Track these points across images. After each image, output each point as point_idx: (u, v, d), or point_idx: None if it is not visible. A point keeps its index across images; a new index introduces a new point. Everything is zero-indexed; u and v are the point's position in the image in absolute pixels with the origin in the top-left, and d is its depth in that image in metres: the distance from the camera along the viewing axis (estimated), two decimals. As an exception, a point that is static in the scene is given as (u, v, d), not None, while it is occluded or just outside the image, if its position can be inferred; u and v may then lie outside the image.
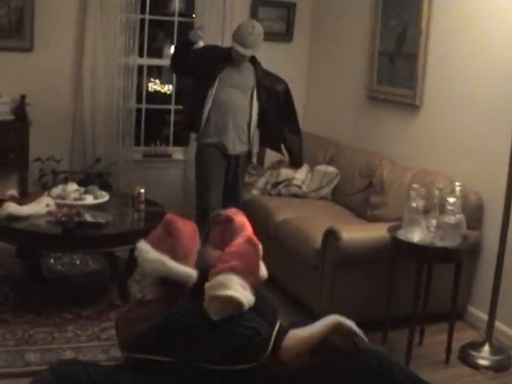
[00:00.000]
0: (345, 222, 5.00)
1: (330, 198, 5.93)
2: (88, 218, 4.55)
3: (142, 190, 5.03)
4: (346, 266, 4.50)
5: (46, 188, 6.01)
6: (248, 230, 3.24)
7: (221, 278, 2.91)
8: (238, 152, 5.54)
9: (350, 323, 3.06)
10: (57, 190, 4.98)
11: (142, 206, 5.00)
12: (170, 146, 7.24)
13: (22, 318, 4.50)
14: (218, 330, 2.88)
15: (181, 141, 7.17)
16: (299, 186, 5.97)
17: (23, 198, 4.87)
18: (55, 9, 6.32)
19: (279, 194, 6.00)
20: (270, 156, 6.53)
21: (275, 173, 6.15)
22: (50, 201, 4.74)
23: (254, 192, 6.08)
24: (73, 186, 5.02)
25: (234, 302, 2.88)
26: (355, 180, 5.69)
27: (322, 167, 6.05)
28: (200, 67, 5.41)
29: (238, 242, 3.11)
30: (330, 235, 4.51)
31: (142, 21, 6.78)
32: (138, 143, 7.06)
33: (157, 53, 7.73)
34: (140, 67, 6.92)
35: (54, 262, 5.30)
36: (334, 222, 4.82)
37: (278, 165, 6.26)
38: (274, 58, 6.88)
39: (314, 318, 3.73)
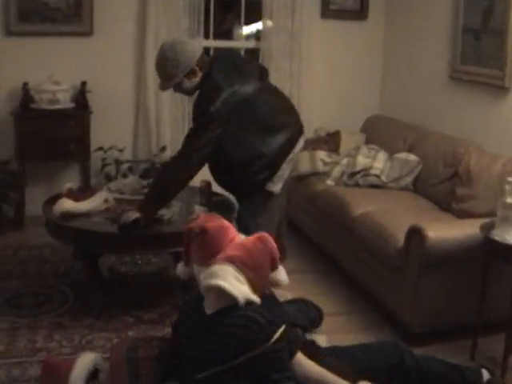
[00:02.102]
0: (430, 218, 4.55)
1: (411, 188, 5.45)
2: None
3: (208, 182, 4.66)
4: (431, 267, 4.07)
5: (108, 178, 5.83)
6: (231, 231, 2.95)
7: (214, 267, 2.72)
8: None
9: None
10: (116, 184, 4.66)
11: (203, 201, 4.60)
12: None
13: (81, 322, 4.24)
14: (212, 324, 2.71)
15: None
16: (378, 176, 5.51)
17: (81, 192, 4.57)
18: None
19: (356, 185, 5.55)
20: (347, 143, 6.09)
21: (352, 161, 5.70)
22: (109, 196, 4.41)
23: (329, 182, 5.66)
24: (133, 179, 4.69)
25: (227, 294, 2.65)
26: (439, 169, 5.19)
27: (403, 155, 5.58)
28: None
29: (248, 238, 2.90)
30: (415, 234, 4.08)
31: (207, 1, 6.48)
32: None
33: (225, 34, 7.34)
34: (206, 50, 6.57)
35: (114, 262, 5.03)
36: (418, 217, 4.42)
37: (356, 152, 5.80)
38: (347, 38, 6.55)
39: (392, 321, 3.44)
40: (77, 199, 4.36)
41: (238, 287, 2.68)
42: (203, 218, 3.02)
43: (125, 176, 5.74)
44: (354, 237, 4.84)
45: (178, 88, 4.22)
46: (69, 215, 4.22)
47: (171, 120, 6.34)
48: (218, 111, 3.97)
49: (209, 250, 2.83)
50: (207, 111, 3.97)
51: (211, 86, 4.04)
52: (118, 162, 6.10)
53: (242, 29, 6.96)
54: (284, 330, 2.71)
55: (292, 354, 2.78)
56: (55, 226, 4.27)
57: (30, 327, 4.16)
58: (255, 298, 2.72)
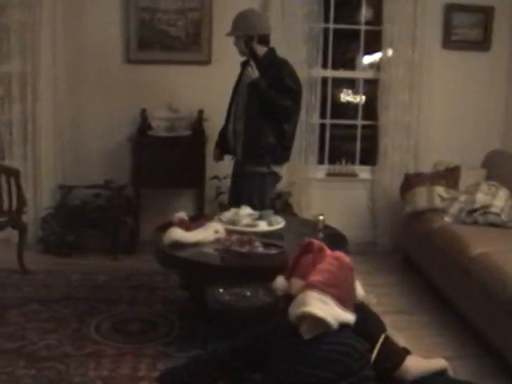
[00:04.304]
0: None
1: (534, 228, 5.18)
2: (259, 247, 4.13)
3: (322, 218, 4.59)
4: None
5: (222, 207, 5.79)
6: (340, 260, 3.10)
7: (299, 296, 2.90)
8: None
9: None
10: (228, 214, 4.61)
11: (321, 235, 4.49)
12: (356, 164, 6.84)
13: (186, 352, 4.17)
14: (311, 350, 2.84)
15: (368, 159, 6.79)
16: (498, 214, 5.26)
17: (192, 222, 4.54)
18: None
19: (475, 223, 5.32)
20: (466, 178, 5.85)
21: (471, 198, 5.47)
22: (220, 227, 4.37)
23: (447, 219, 5.46)
24: (245, 210, 4.63)
25: (318, 319, 2.80)
26: None
27: (525, 193, 5.32)
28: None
29: (324, 260, 3.06)
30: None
31: (326, 31, 6.45)
32: (321, 161, 6.76)
33: (345, 64, 7.25)
34: (324, 80, 6.61)
35: (221, 292, 4.98)
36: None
37: (475, 188, 5.56)
38: (468, 69, 6.34)
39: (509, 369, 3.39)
40: (188, 228, 4.35)
41: (327, 310, 2.81)
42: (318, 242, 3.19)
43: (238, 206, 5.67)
44: (471, 278, 4.62)
45: (238, 42, 5.04)
46: (178, 244, 4.21)
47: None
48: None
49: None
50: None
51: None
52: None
53: (362, 59, 6.86)
54: (383, 341, 2.93)
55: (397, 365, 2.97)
56: (164, 254, 4.25)
57: (134, 354, 4.16)
58: (348, 316, 2.86)
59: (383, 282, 5.61)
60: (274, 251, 4.14)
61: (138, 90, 6.14)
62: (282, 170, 5.24)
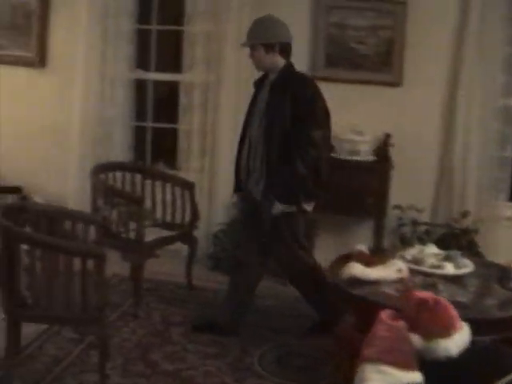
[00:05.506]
0: None
1: None
2: (444, 293, 3.68)
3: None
4: None
5: (403, 240, 5.47)
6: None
7: (358, 373, 2.82)
8: None
9: None
10: (412, 252, 4.21)
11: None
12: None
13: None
14: None
15: None
16: None
17: (372, 256, 4.18)
18: (427, 41, 5.71)
19: None
20: None
21: None
22: (403, 265, 3.98)
23: None
24: (431, 249, 4.21)
25: None
26: None
27: None
28: None
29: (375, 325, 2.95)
30: None
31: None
32: (512, 198, 6.24)
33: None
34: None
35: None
36: None
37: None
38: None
39: None
40: (367, 263, 4.02)
41: (387, 380, 2.71)
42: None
43: (421, 240, 5.35)
44: None
45: (255, 54, 4.41)
46: (356, 281, 3.88)
47: (477, 184, 5.80)
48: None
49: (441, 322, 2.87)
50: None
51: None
52: (414, 224, 5.73)
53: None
54: None
55: None
56: (340, 289, 3.94)
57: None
58: (413, 376, 2.73)
59: None
60: (462, 300, 3.68)
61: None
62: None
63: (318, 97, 4.42)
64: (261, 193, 4.44)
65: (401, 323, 2.89)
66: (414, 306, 2.93)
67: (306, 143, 4.28)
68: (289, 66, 4.45)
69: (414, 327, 2.89)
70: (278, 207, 4.34)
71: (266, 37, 4.37)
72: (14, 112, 6.43)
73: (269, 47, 4.36)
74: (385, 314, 2.97)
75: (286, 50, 4.42)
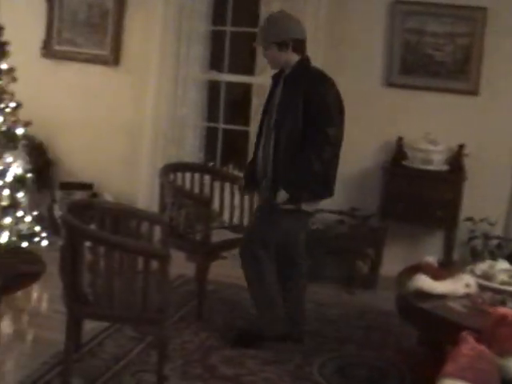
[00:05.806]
0: None
1: None
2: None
3: None
4: None
5: (474, 254, 5.33)
6: None
7: None
8: None
9: None
10: (483, 267, 4.10)
11: None
12: None
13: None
14: None
15: None
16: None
17: (441, 269, 4.07)
18: (506, 49, 5.56)
19: None
20: None
21: None
22: (472, 280, 3.87)
23: None
24: (502, 265, 4.09)
25: None
26: None
27: None
28: None
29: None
30: None
31: None
32: None
33: None
34: None
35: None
36: None
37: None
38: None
39: None
40: (435, 276, 3.94)
41: None
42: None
43: (492, 254, 5.22)
44: None
45: (268, 53, 4.33)
46: (423, 294, 3.80)
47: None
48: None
49: None
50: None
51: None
52: (486, 237, 5.58)
53: None
54: None
55: None
56: (405, 302, 3.87)
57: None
58: None
59: None
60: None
61: (396, 115, 5.79)
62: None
63: (331, 92, 4.26)
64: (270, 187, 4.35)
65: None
66: (492, 321, 2.94)
67: (321, 140, 4.16)
68: (302, 62, 4.32)
69: (490, 344, 2.89)
70: (284, 195, 4.20)
71: (278, 34, 4.25)
72: (87, 108, 6.50)
73: (282, 45, 4.24)
74: (468, 334, 2.97)
75: (299, 46, 4.29)
